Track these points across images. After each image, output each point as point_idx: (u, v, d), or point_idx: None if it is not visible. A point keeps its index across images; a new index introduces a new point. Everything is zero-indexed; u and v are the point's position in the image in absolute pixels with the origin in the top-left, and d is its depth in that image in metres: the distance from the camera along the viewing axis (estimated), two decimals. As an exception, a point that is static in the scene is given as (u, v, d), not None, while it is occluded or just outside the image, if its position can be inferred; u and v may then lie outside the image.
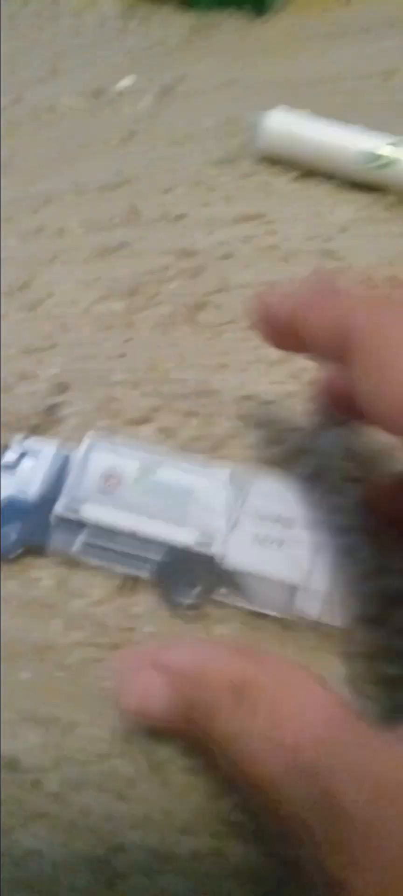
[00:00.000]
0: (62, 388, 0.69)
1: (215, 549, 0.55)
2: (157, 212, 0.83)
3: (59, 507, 0.59)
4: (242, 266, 0.77)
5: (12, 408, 0.68)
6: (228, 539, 0.56)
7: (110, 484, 0.60)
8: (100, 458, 0.61)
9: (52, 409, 0.68)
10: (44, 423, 0.67)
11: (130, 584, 0.57)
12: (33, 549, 0.59)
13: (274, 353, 0.74)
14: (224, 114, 0.93)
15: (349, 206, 0.81)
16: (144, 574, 0.56)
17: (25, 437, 0.64)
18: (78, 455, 0.62)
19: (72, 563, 0.59)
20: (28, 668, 0.54)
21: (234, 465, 0.62)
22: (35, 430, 0.67)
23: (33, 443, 0.64)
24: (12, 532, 0.60)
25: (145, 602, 0.57)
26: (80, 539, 0.58)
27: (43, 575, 0.58)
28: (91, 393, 0.68)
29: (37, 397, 0.68)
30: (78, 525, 0.58)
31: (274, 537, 0.55)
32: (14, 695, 0.53)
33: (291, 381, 0.68)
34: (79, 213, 0.85)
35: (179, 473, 0.59)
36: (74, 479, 0.61)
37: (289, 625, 0.53)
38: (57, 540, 0.59)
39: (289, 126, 0.83)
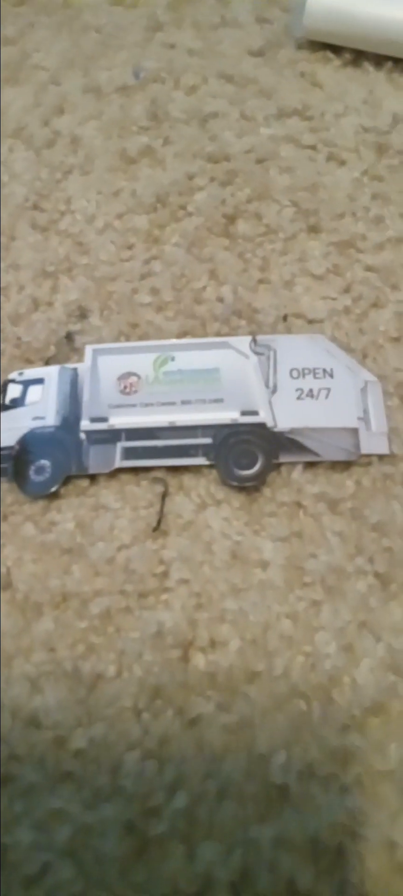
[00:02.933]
0: (81, 314, 0.68)
1: (264, 416, 0.60)
2: (184, 112, 0.80)
3: (87, 423, 0.61)
4: (282, 170, 0.74)
5: (27, 338, 0.67)
6: (274, 403, 0.60)
7: (128, 384, 0.62)
8: (110, 362, 0.63)
9: (70, 338, 0.67)
10: (61, 353, 0.66)
11: (161, 524, 0.57)
12: (71, 478, 0.59)
13: (322, 264, 0.72)
14: (259, -4, 0.89)
15: (406, 94, 0.77)
16: (199, 461, 0.58)
17: (20, 373, 0.63)
18: (85, 367, 0.63)
19: (94, 504, 0.59)
20: (49, 618, 0.54)
21: (250, 332, 0.63)
22: (51, 360, 0.66)
23: (32, 372, 0.64)
24: (45, 467, 0.60)
25: (177, 544, 0.56)
26: (120, 446, 0.60)
27: (61, 518, 0.57)
28: (113, 318, 0.67)
29: (53, 325, 0.67)
30: (112, 435, 0.60)
31: (319, 388, 0.60)
32: (34, 647, 0.53)
33: (343, 296, 0.66)
34: (95, 119, 0.83)
35: (198, 355, 0.62)
36: (91, 391, 0.62)
37: (358, 465, 0.58)
38: (97, 457, 0.60)
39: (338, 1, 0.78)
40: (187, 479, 0.59)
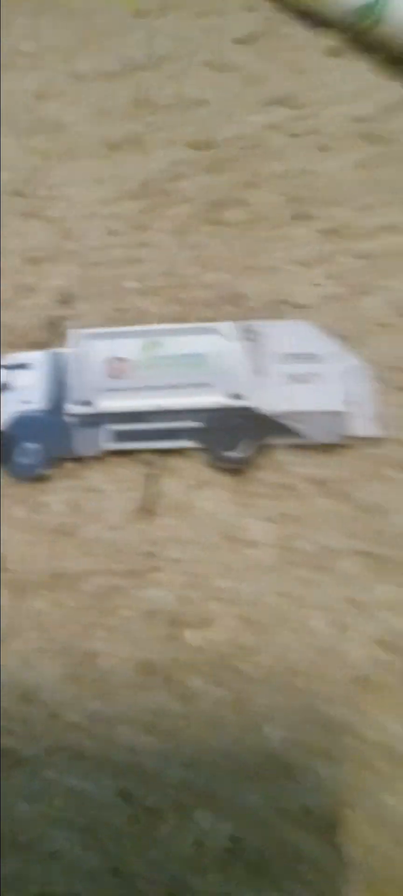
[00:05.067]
0: (68, 299, 0.71)
1: (251, 400, 0.63)
2: (171, 98, 0.84)
3: (71, 407, 0.64)
4: (270, 157, 0.78)
5: (13, 323, 0.71)
6: (261, 386, 0.64)
7: (115, 369, 0.66)
8: (96, 347, 0.66)
9: (56, 323, 0.70)
10: (48, 338, 0.70)
11: (151, 505, 0.61)
12: (59, 460, 0.62)
13: (310, 252, 0.76)
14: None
15: (396, 82, 0.82)
16: (187, 444, 0.62)
17: (8, 359, 0.67)
18: (71, 351, 0.68)
19: (85, 486, 0.62)
20: (41, 598, 0.57)
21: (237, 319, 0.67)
22: (38, 346, 0.69)
23: (19, 357, 0.67)
24: (32, 450, 0.63)
25: (167, 526, 0.60)
26: (108, 429, 0.64)
27: (52, 500, 0.61)
28: (100, 304, 0.71)
29: (40, 311, 0.71)
30: (98, 418, 0.64)
31: (309, 373, 0.64)
32: (26, 626, 0.56)
33: (331, 283, 0.70)
34: (80, 106, 0.87)
35: (186, 340, 0.66)
36: (77, 375, 0.66)
37: (345, 447, 0.63)
38: (84, 440, 0.64)
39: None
40: (176, 461, 0.63)
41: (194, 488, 0.62)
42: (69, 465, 0.63)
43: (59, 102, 0.88)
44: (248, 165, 0.78)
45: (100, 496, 0.61)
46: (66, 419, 0.63)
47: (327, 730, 0.54)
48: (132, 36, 0.93)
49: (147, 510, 0.61)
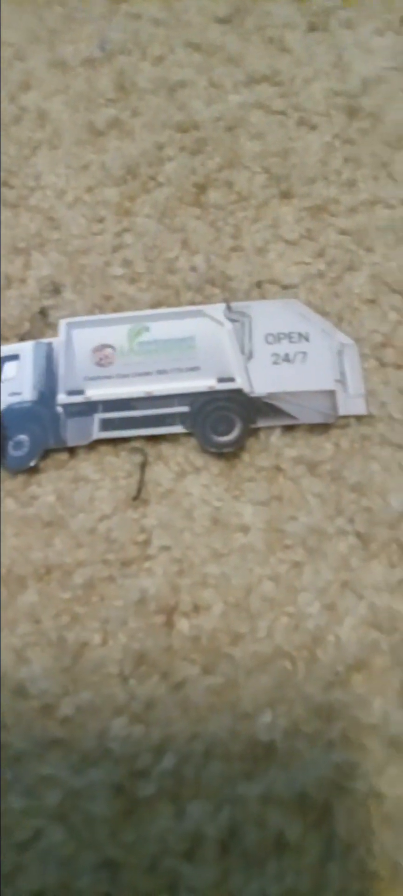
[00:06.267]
0: (54, 289, 0.69)
1: (241, 382, 0.62)
2: (151, 83, 0.81)
3: (63, 397, 0.63)
4: (253, 136, 0.76)
5: (0, 315, 0.69)
6: (250, 368, 0.62)
7: (103, 356, 0.64)
8: (84, 335, 0.65)
9: (44, 313, 0.68)
10: (35, 328, 0.68)
11: (141, 493, 0.59)
12: (49, 452, 0.61)
13: (295, 230, 0.74)
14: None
15: (376, 56, 0.79)
16: (176, 429, 0.61)
17: None
18: (60, 340, 0.65)
19: (74, 476, 0.60)
20: (32, 590, 0.55)
21: (223, 300, 0.65)
22: (26, 336, 0.67)
23: (6, 348, 0.65)
24: (23, 442, 0.62)
25: (158, 513, 0.58)
26: (98, 418, 0.62)
27: (42, 491, 0.59)
28: (86, 292, 0.68)
29: (27, 301, 0.69)
30: (89, 407, 0.62)
31: (295, 352, 0.63)
32: (19, 619, 0.54)
33: (317, 260, 0.68)
34: (62, 94, 0.84)
35: (173, 324, 0.64)
36: (66, 364, 0.64)
37: (335, 427, 0.60)
38: (75, 430, 0.62)
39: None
40: (165, 447, 0.61)
41: (184, 474, 0.60)
42: (59, 457, 0.61)
43: (43, 91, 0.85)
44: (231, 145, 0.75)
45: (90, 486, 0.60)
46: (57, 409, 0.61)
47: (319, 714, 0.52)
48: (113, 21, 0.90)
49: (138, 498, 0.59)
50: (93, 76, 0.84)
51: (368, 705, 0.52)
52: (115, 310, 0.67)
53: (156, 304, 0.66)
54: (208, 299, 0.66)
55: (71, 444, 0.59)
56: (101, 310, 0.67)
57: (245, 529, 0.57)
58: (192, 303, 0.66)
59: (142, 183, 0.74)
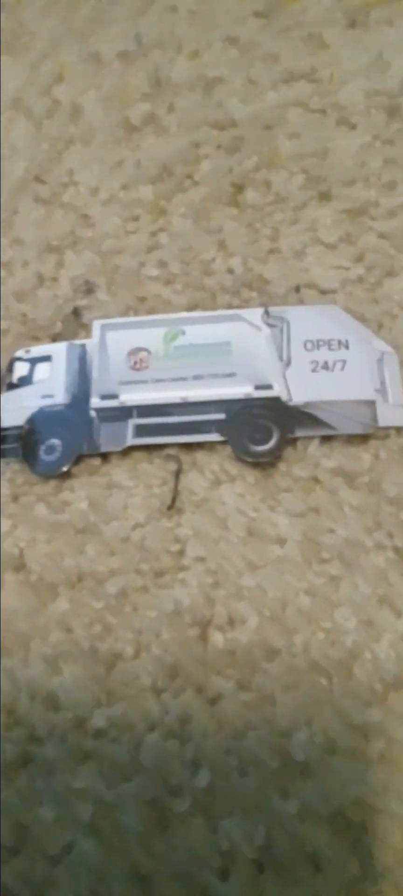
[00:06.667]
0: (88, 289, 0.68)
1: (278, 390, 0.60)
2: (187, 79, 0.80)
3: (97, 401, 0.62)
4: (291, 135, 0.74)
5: (33, 314, 0.67)
6: (288, 376, 0.61)
7: (139, 360, 0.62)
8: (119, 338, 0.63)
9: (77, 314, 0.67)
10: (68, 329, 0.66)
11: (175, 502, 0.58)
12: (82, 457, 0.59)
13: (333, 233, 0.72)
14: None
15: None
16: (212, 437, 0.59)
17: (27, 351, 0.64)
18: (93, 342, 0.63)
19: (107, 483, 0.59)
20: (64, 599, 0.54)
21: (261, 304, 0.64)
22: (58, 338, 0.66)
23: (39, 349, 0.64)
24: (55, 447, 0.60)
25: (192, 522, 0.57)
26: (132, 423, 0.61)
27: (74, 497, 0.58)
28: (120, 293, 0.67)
29: (59, 301, 0.67)
30: (123, 412, 0.61)
31: (334, 360, 0.61)
32: (50, 628, 0.53)
33: (356, 265, 0.66)
34: (96, 88, 0.83)
35: (209, 328, 0.63)
36: (101, 367, 0.62)
37: (374, 438, 0.58)
38: (108, 435, 0.61)
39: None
40: (201, 455, 0.60)
41: (219, 483, 0.59)
42: (91, 462, 0.60)
43: (76, 86, 0.84)
44: (268, 145, 0.73)
45: (124, 493, 0.58)
46: (91, 414, 0.60)
47: (355, 731, 0.51)
48: (149, 16, 0.88)
49: (171, 507, 0.58)
50: (128, 71, 0.82)
51: (405, 724, 0.51)
52: (150, 312, 0.66)
53: (192, 307, 0.65)
54: (245, 303, 0.64)
55: (104, 449, 0.58)
56: (136, 312, 0.66)
57: (281, 541, 0.56)
58: (229, 306, 0.64)
59: (177, 182, 0.73)
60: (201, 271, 0.67)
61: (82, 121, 0.80)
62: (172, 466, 0.58)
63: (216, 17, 0.85)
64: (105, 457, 0.60)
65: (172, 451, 0.59)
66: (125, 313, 0.66)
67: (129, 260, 0.70)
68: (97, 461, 0.60)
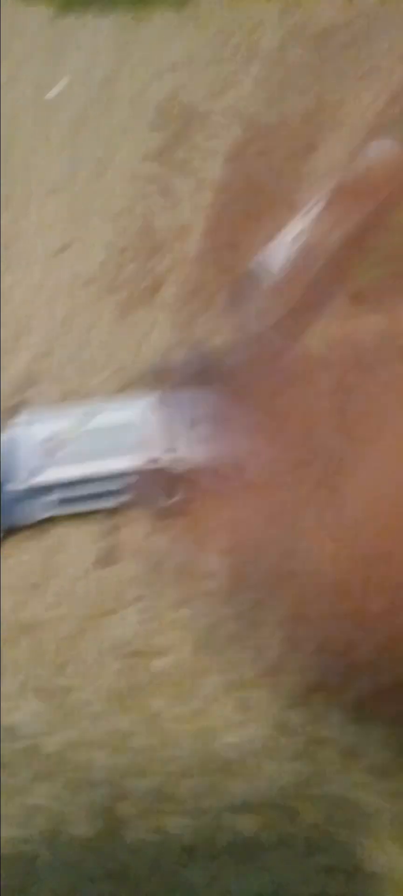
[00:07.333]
0: (23, 386, 0.76)
1: (169, 459, 0.66)
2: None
3: (8, 486, 0.67)
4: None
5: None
6: (178, 447, 0.66)
7: (51, 446, 0.69)
8: (38, 428, 0.70)
9: (11, 411, 0.74)
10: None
11: (107, 555, 0.65)
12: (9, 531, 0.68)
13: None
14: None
15: None
16: (122, 502, 0.66)
17: None
18: (15, 432, 0.70)
19: (49, 547, 0.67)
20: (21, 645, 0.61)
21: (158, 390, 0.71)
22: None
23: None
24: None
25: (127, 570, 0.65)
26: (54, 497, 0.68)
27: (24, 558, 0.66)
28: (50, 388, 0.75)
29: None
30: (43, 490, 0.67)
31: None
32: (11, 670, 0.60)
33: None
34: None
35: (114, 414, 0.70)
36: (12, 457, 0.68)
37: None
38: (24, 512, 0.67)
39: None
40: (130, 512, 0.68)
41: (150, 533, 0.66)
42: (25, 531, 0.67)
43: None
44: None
45: (61, 554, 0.66)
46: (5, 496, 0.67)
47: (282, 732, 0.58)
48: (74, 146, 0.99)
49: (106, 560, 0.65)
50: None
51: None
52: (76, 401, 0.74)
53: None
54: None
55: (22, 525, 0.67)
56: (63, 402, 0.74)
57: (211, 576, 0.63)
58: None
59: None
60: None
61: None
62: (103, 526, 0.66)
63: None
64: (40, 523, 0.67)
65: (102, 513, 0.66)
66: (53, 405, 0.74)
67: (60, 358, 0.78)
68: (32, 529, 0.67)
